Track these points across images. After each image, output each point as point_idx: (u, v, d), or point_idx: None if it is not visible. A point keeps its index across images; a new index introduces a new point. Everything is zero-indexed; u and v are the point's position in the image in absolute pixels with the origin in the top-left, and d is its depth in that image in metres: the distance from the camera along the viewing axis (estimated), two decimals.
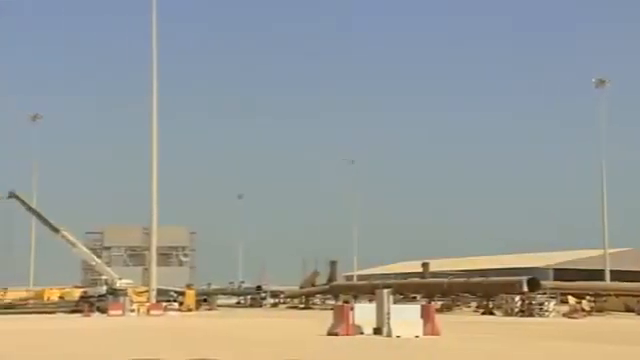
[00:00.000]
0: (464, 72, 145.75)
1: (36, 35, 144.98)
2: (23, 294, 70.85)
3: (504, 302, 49.44)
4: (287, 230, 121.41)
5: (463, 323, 36.17)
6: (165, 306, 56.96)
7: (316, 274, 79.25)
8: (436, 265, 74.52)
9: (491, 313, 50.05)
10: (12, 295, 69.77)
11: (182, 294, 70.23)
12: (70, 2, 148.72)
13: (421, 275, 67.59)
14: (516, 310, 48.07)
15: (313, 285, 76.84)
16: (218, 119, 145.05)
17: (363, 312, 25.92)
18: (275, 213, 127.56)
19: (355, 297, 60.47)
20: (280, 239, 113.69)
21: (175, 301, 66.45)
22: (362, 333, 25.04)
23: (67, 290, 70.76)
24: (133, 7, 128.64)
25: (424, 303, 38.04)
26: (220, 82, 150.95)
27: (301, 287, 78.74)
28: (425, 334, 24.52)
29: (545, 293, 50.15)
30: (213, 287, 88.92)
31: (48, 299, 66.76)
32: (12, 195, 69.06)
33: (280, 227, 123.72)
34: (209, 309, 66.60)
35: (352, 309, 25.83)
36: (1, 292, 71.39)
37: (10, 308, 60.77)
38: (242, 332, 30.30)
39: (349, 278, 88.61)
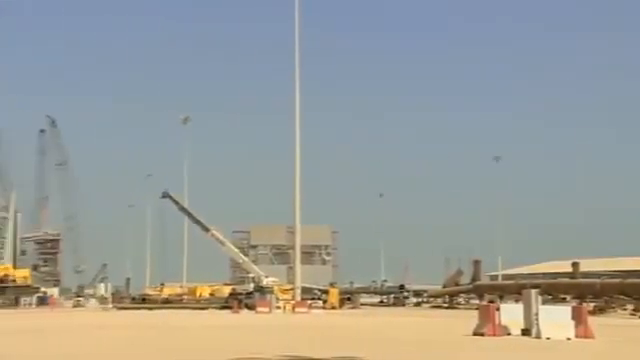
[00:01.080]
0: None
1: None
2: (177, 290, 74.65)
3: None
4: (429, 229, 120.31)
5: (618, 326, 34.29)
6: (310, 304, 57.91)
7: (460, 273, 78.02)
8: (585, 265, 71.25)
9: None
10: (168, 291, 73.80)
11: (326, 292, 71.30)
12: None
13: (571, 275, 64.78)
14: None
15: (456, 284, 75.66)
16: (360, 119, 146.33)
17: (510, 312, 25.22)
18: (417, 212, 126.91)
19: (500, 297, 58.96)
20: (422, 238, 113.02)
21: (319, 299, 67.55)
22: (509, 334, 24.37)
23: (217, 287, 73.86)
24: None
25: (575, 304, 36.45)
26: (362, 82, 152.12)
27: (444, 286, 77.78)
28: (577, 336, 23.51)
29: None
30: (356, 286, 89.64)
31: (200, 295, 69.86)
32: (165, 195, 72.97)
33: (422, 226, 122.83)
34: (352, 307, 67.11)
35: (498, 309, 25.20)
36: (158, 288, 75.71)
37: (167, 303, 64.23)
38: (388, 331, 30.34)
39: (493, 278, 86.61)
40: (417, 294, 79.49)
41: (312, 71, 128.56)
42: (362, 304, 73.66)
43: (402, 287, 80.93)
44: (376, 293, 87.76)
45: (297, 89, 59.51)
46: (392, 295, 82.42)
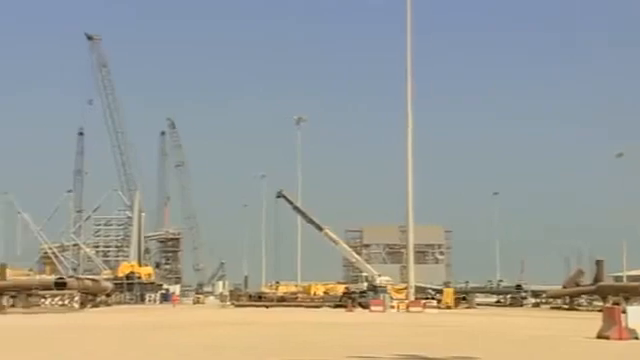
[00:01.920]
0: None
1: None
2: (292, 288, 75.83)
3: None
4: (547, 227, 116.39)
5: None
6: (424, 303, 57.47)
7: (581, 273, 75.12)
8: None
9: None
10: (283, 289, 75.13)
11: (440, 292, 70.53)
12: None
13: None
14: None
15: (577, 285, 72.91)
16: (471, 118, 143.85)
17: (637, 315, 24.04)
18: (534, 210, 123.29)
19: (626, 299, 56.35)
20: (540, 237, 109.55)
21: (433, 298, 66.90)
22: (637, 338, 23.24)
23: (331, 286, 74.49)
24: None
25: None
26: (476, 80, 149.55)
27: (564, 287, 75.15)
28: None
29: None
30: (471, 285, 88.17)
31: (314, 294, 70.69)
32: (280, 195, 74.44)
33: (539, 224, 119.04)
34: (468, 307, 66.07)
35: (624, 312, 24.09)
36: (274, 286, 77.24)
37: (282, 301, 65.40)
38: (505, 331, 29.63)
39: (618, 279, 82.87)
40: (535, 294, 77.23)
41: (424, 71, 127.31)
42: (477, 304, 72.37)
43: (519, 287, 78.86)
44: (492, 293, 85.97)
45: (409, 89, 59.28)
46: (509, 295, 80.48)
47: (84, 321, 36.68)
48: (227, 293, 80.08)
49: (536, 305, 74.03)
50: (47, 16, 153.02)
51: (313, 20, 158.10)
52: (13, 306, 52.58)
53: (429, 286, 77.78)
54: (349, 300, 58.83)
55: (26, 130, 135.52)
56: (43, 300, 53.37)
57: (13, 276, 70.92)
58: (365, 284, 65.99)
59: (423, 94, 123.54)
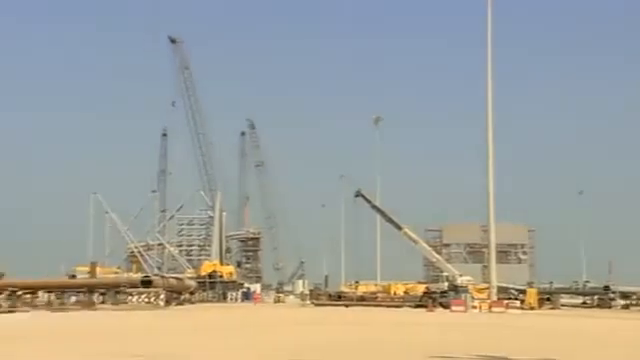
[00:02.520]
0: None
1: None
2: (372, 288, 75.69)
3: None
4: (636, 227, 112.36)
5: None
6: (507, 304, 56.38)
7: None
8: None
9: None
10: (362, 288, 75.09)
11: (523, 292, 68.99)
12: None
13: None
14: None
15: None
16: (553, 118, 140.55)
17: None
18: (620, 210, 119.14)
19: None
20: (628, 237, 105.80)
21: (516, 299, 65.54)
22: None
23: (411, 285, 73.97)
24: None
25: None
26: (563, 77, 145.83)
27: None
28: None
29: None
30: (555, 286, 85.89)
31: (394, 293, 70.33)
32: (358, 194, 74.55)
33: (628, 224, 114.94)
34: (552, 308, 64.40)
35: None
36: (354, 285, 77.31)
37: (362, 300, 65.34)
38: (592, 333, 28.78)
39: None
40: (625, 296, 74.51)
41: (505, 67, 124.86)
42: (562, 305, 70.49)
43: (607, 288, 76.24)
44: (577, 294, 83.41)
45: (489, 84, 58.26)
46: (596, 296, 77.97)
47: (178, 320, 37.69)
48: (307, 292, 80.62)
49: (625, 307, 71.41)
50: (130, 19, 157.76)
51: (393, 14, 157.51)
52: (103, 303, 54.59)
53: (511, 286, 76.22)
54: (430, 300, 58.27)
55: (113, 132, 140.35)
56: (130, 297, 55.10)
57: (102, 274, 73.68)
58: (446, 284, 65.24)
59: (504, 89, 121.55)
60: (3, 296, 51.33)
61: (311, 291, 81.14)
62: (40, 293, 55.83)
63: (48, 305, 52.68)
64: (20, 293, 52.41)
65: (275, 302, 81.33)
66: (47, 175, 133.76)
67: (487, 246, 66.97)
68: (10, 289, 52.01)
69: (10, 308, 48.01)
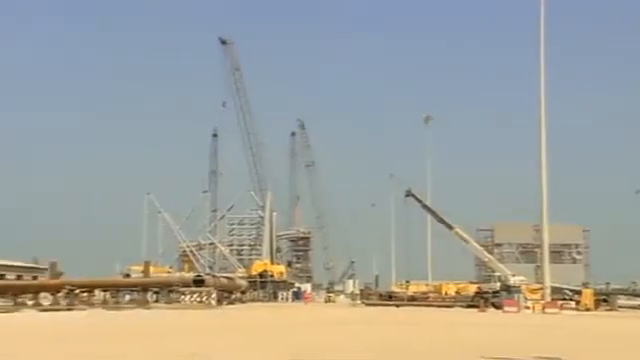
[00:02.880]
0: None
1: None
2: (423, 288, 75.22)
3: None
4: None
5: None
6: (561, 304, 55.39)
7: None
8: None
9: None
10: (413, 288, 74.69)
11: (578, 293, 67.65)
12: None
13: None
14: None
15: None
16: (610, 113, 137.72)
17: None
18: None
19: None
20: None
21: (571, 300, 64.31)
22: None
23: (463, 285, 73.28)
24: None
25: None
26: (605, 81, 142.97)
27: None
28: None
29: None
30: (612, 287, 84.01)
31: (446, 293, 69.76)
32: (409, 194, 74.19)
33: None
34: (609, 309, 63.00)
35: None
36: (404, 285, 76.97)
37: (413, 300, 64.97)
38: None
39: None
40: None
41: (557, 64, 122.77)
42: (620, 306, 68.86)
43: None
44: (636, 295, 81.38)
45: (541, 82, 57.36)
46: None
47: (230, 319, 38.10)
48: (358, 292, 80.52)
49: None
50: (182, 21, 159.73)
51: (439, 13, 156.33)
52: (156, 301, 55.51)
53: (566, 287, 74.79)
54: (482, 300, 57.61)
55: (164, 134, 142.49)
56: (183, 296, 55.89)
57: (155, 273, 74.94)
58: (498, 284, 64.37)
59: (557, 87, 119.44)
60: (61, 294, 52.67)
61: (361, 291, 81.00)
62: (96, 292, 57.12)
63: (104, 303, 53.87)
64: (77, 292, 53.70)
65: (326, 302, 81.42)
66: (105, 175, 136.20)
67: (540, 246, 65.87)
68: (68, 287, 53.34)
69: (68, 306, 49.27)
